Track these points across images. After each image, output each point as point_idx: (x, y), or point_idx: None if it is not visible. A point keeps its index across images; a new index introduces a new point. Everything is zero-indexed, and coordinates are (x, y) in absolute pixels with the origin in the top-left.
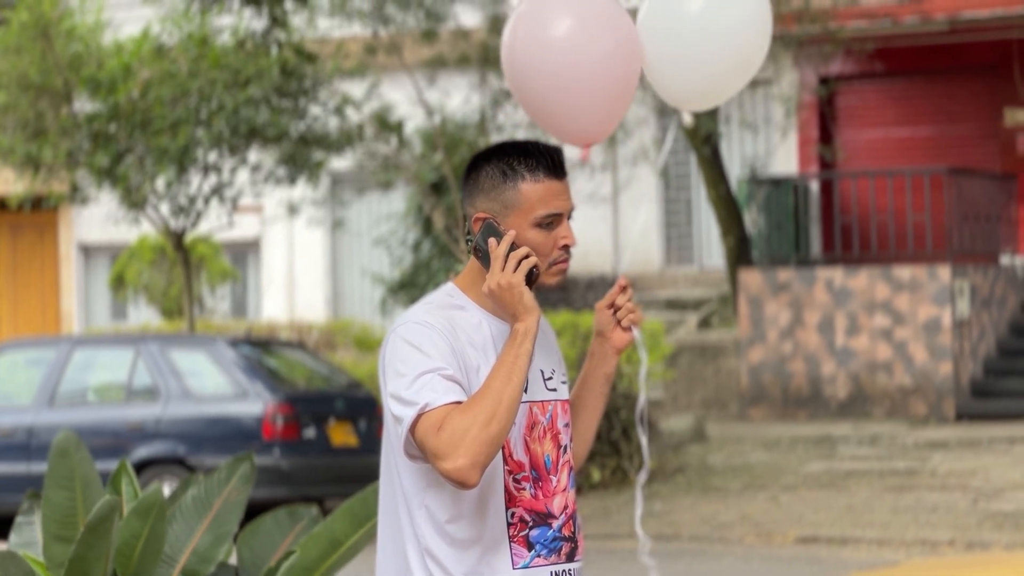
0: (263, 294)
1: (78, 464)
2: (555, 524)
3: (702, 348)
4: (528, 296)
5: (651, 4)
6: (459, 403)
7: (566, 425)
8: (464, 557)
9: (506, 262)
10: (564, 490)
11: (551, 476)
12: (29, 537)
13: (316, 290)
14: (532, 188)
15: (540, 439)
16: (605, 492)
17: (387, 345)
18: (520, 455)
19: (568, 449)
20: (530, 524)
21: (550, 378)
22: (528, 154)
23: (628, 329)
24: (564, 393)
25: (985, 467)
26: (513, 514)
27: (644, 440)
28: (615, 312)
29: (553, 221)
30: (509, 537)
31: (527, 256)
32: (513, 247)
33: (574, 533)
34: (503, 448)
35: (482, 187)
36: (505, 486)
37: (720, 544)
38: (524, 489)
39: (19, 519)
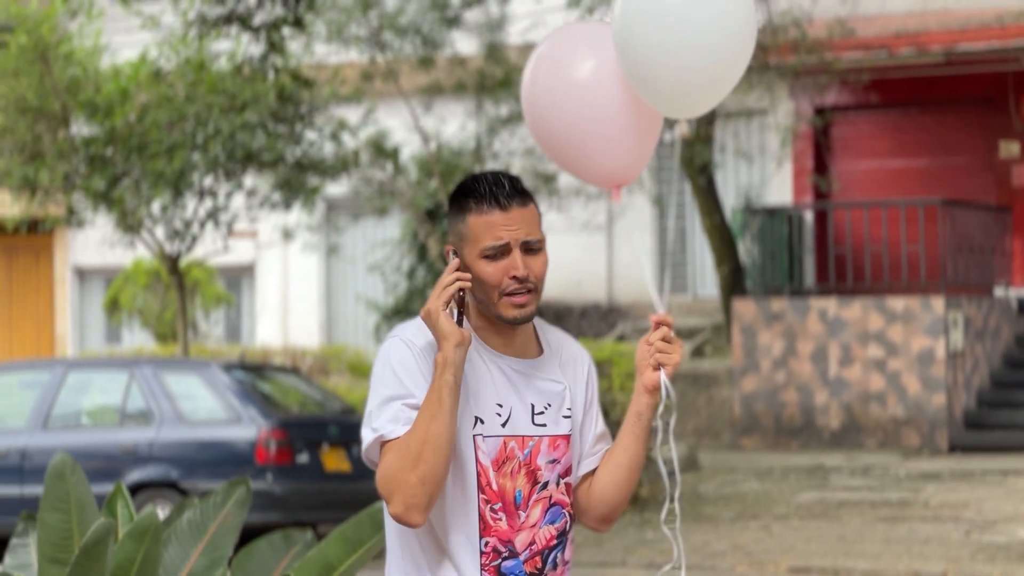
0: (257, 319)
1: (74, 486)
2: (519, 559)
3: (695, 377)
4: (444, 322)
5: (623, 7)
6: None
7: (552, 461)
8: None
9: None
10: (533, 527)
11: (519, 511)
12: (24, 559)
13: (310, 315)
14: (476, 220)
15: (512, 474)
16: None
17: (379, 351)
18: (495, 486)
19: (549, 485)
20: (504, 555)
21: (541, 412)
22: (477, 186)
23: (657, 368)
24: (559, 428)
25: (978, 499)
26: (487, 543)
27: (673, 487)
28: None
29: (500, 252)
30: (481, 566)
31: (452, 283)
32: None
33: (542, 570)
34: (479, 477)
35: (450, 221)
36: (480, 514)
37: (712, 573)
38: (500, 520)
39: (14, 541)
